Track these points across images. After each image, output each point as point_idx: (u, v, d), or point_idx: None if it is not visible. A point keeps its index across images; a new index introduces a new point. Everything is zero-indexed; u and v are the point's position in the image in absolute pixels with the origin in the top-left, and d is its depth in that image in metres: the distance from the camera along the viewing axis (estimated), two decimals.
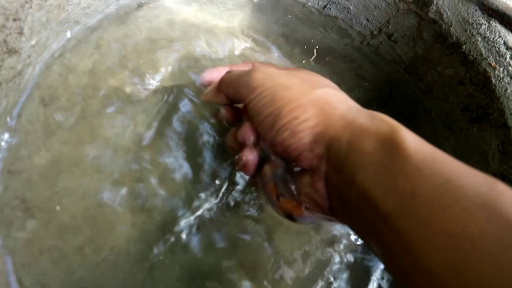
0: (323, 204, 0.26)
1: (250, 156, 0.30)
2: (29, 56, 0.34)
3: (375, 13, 0.48)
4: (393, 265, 0.21)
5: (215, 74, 0.37)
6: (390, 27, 0.47)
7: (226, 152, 0.35)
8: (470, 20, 0.40)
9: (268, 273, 0.37)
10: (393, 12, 0.46)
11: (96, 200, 0.36)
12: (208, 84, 0.37)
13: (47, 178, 0.37)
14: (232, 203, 0.38)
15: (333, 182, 0.24)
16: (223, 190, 0.38)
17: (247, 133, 0.30)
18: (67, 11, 0.37)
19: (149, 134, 0.40)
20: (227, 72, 0.34)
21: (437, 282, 0.18)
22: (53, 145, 0.38)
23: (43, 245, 0.34)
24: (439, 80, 0.45)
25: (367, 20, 0.49)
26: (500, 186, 0.19)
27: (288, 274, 0.38)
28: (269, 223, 0.39)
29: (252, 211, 0.39)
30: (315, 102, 0.26)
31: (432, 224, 0.18)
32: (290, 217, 0.29)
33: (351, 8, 0.49)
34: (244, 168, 0.31)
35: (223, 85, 0.32)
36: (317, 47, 0.49)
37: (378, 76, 0.49)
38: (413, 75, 0.48)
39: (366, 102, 0.46)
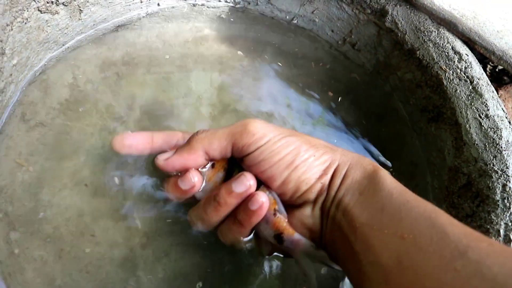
0: (316, 229, 0.30)
1: (196, 177, 0.32)
2: (10, 75, 0.36)
3: (338, 24, 0.51)
4: (356, 272, 0.27)
5: (135, 140, 0.34)
6: (353, 36, 0.51)
7: None
8: (421, 28, 0.44)
9: (250, 272, 0.39)
10: (355, 23, 0.50)
11: (77, 211, 0.38)
12: (128, 149, 0.34)
13: (30, 192, 0.39)
14: None
15: (326, 207, 0.30)
16: None
17: (197, 177, 0.32)
18: (46, 32, 0.39)
19: None
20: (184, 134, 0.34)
21: (386, 271, 0.24)
22: (36, 160, 0.40)
23: (27, 255, 0.35)
24: (400, 84, 0.48)
25: (332, 31, 0.52)
26: (441, 212, 0.26)
27: (272, 271, 0.40)
28: None
29: None
30: (322, 143, 0.31)
31: (390, 230, 0.25)
32: (279, 237, 0.31)
33: (317, 20, 0.52)
34: (187, 191, 0.32)
35: (204, 140, 0.31)
36: (289, 51, 0.52)
37: (349, 78, 0.52)
38: (378, 79, 0.51)
39: (339, 104, 0.49)
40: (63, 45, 0.42)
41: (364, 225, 0.27)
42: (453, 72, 0.41)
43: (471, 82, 0.40)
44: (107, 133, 0.43)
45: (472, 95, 0.40)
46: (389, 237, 0.25)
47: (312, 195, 0.30)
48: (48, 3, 0.37)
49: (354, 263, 0.27)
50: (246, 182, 0.30)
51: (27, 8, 0.35)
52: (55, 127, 0.41)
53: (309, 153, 0.30)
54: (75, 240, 0.37)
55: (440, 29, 0.43)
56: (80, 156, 0.41)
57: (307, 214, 0.31)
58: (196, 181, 0.32)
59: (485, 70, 0.48)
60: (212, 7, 0.52)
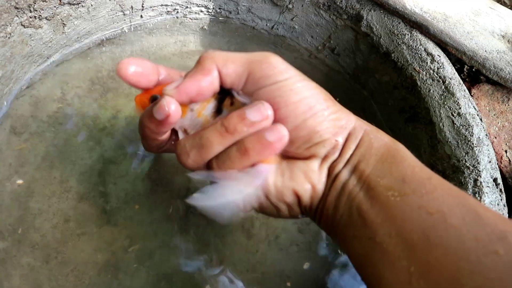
0: (319, 187, 0.28)
1: (172, 105, 0.26)
2: None
3: (317, 30, 0.53)
4: (364, 245, 0.24)
5: (141, 67, 0.28)
6: (332, 42, 0.52)
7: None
8: (395, 31, 0.45)
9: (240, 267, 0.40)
10: (333, 29, 0.51)
11: (64, 217, 0.39)
12: (135, 78, 0.28)
13: (19, 201, 0.40)
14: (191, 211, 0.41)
15: (335, 168, 0.27)
16: None
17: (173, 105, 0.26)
18: (30, 45, 0.40)
19: (113, 154, 0.44)
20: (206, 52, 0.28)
21: (409, 246, 0.22)
22: (26, 170, 0.41)
23: (14, 262, 0.36)
24: (378, 86, 0.50)
25: (312, 37, 0.54)
26: (468, 194, 0.25)
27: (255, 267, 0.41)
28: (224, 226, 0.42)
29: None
30: (336, 103, 0.28)
31: (415, 203, 0.23)
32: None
33: (296, 27, 0.53)
34: (163, 122, 0.26)
35: (218, 60, 0.26)
36: None
37: (328, 85, 0.53)
38: (357, 83, 0.53)
39: None
40: (48, 58, 0.44)
41: (384, 194, 0.24)
42: (426, 73, 0.42)
43: (444, 82, 0.42)
44: (93, 143, 0.44)
45: (445, 94, 0.41)
46: (413, 209, 0.23)
47: (323, 151, 0.27)
48: (31, 18, 0.39)
49: (362, 234, 0.24)
50: (264, 111, 0.25)
51: (10, 23, 0.37)
52: (44, 139, 0.43)
53: (327, 104, 0.27)
54: (61, 247, 0.38)
55: (413, 32, 0.44)
56: (68, 166, 0.42)
57: (313, 168, 0.28)
58: (172, 111, 0.26)
59: (462, 70, 0.49)
60: (195, 19, 0.53)
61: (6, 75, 0.38)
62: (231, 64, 0.26)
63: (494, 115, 0.44)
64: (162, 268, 0.39)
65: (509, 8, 0.54)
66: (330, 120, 0.26)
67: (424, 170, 0.25)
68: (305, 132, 0.26)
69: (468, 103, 0.40)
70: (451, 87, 0.41)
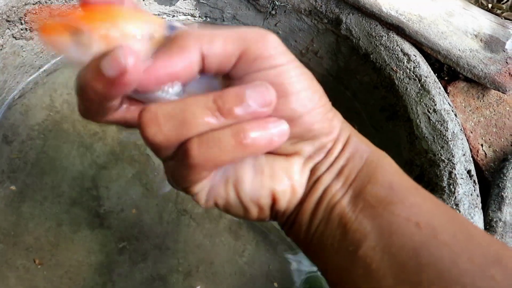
0: (298, 189, 0.24)
1: (131, 56, 0.18)
2: None
3: (300, 35, 0.55)
4: (343, 259, 0.22)
5: None
6: (314, 45, 0.54)
7: None
8: (373, 33, 0.47)
9: (226, 269, 0.42)
10: (315, 33, 0.53)
11: (56, 221, 0.40)
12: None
13: (12, 207, 0.41)
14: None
15: (318, 171, 0.24)
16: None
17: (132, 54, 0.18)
18: (22, 56, 0.42)
19: (105, 159, 0.45)
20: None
21: (398, 263, 0.20)
22: (18, 176, 0.42)
23: (10, 264, 0.38)
24: (360, 87, 0.52)
25: (295, 41, 0.55)
26: (455, 210, 0.24)
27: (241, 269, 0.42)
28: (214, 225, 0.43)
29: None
30: (328, 100, 0.25)
31: (403, 213, 0.21)
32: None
33: (280, 32, 0.55)
34: (117, 82, 0.18)
35: (202, 38, 0.20)
36: None
37: None
38: (340, 84, 0.55)
39: None
40: (39, 68, 0.45)
41: (370, 202, 0.22)
42: (403, 72, 0.44)
43: (420, 80, 0.43)
44: (84, 149, 0.45)
45: (421, 92, 0.43)
46: (401, 221, 0.21)
47: (309, 150, 0.24)
48: (22, 30, 0.40)
49: (342, 245, 0.22)
50: (267, 96, 0.20)
51: (2, 36, 0.38)
52: (35, 147, 0.44)
53: (324, 101, 0.24)
54: (55, 249, 0.39)
55: (389, 33, 0.46)
56: (59, 172, 0.43)
57: (296, 168, 0.24)
58: (130, 66, 0.18)
59: (442, 68, 0.51)
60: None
61: None
62: (219, 41, 0.21)
63: (470, 111, 0.46)
64: (156, 269, 0.40)
65: (486, 9, 0.56)
66: (326, 119, 0.23)
67: (409, 179, 0.23)
68: (299, 128, 0.23)
69: (443, 99, 0.42)
70: (426, 85, 0.43)
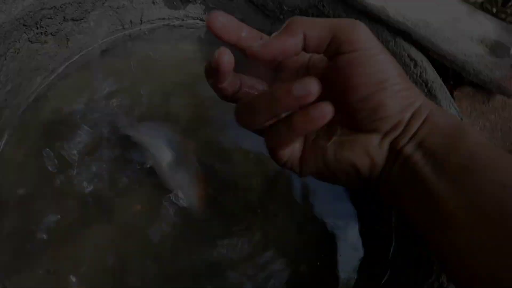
0: (378, 162, 0.28)
1: (225, 56, 0.26)
2: (5, 100, 0.40)
3: None
4: (429, 219, 0.25)
5: (228, 21, 0.27)
6: None
7: None
8: (380, 38, 0.48)
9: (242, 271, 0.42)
10: None
11: (66, 218, 0.41)
12: (220, 30, 0.27)
13: (23, 205, 0.42)
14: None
15: (399, 143, 0.28)
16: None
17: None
18: (37, 60, 0.43)
19: (117, 159, 0.46)
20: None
21: (483, 215, 0.22)
22: (28, 178, 0.43)
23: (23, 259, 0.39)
24: None
25: None
26: None
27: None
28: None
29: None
30: (408, 80, 0.29)
31: (486, 176, 0.24)
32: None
33: None
34: (216, 71, 0.26)
35: (305, 24, 0.26)
36: None
37: None
38: None
39: None
40: (52, 71, 0.46)
41: (452, 168, 0.25)
42: (410, 77, 0.45)
43: (426, 85, 0.44)
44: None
45: (428, 96, 0.44)
46: (485, 182, 0.23)
47: (386, 126, 0.28)
48: (37, 34, 0.41)
49: (429, 207, 0.25)
50: (309, 87, 0.24)
51: (19, 40, 0.39)
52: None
53: (399, 80, 0.27)
54: (64, 246, 0.40)
55: (396, 39, 0.47)
56: (69, 171, 0.44)
57: (374, 143, 0.28)
58: (223, 61, 0.26)
59: (448, 73, 0.52)
60: (191, 28, 0.56)
61: (14, 88, 0.41)
62: (317, 28, 0.26)
63: (475, 115, 0.47)
64: (168, 268, 0.41)
65: (492, 15, 0.57)
66: (399, 97, 0.27)
67: (494, 148, 0.25)
68: (371, 104, 0.27)
69: (449, 104, 0.42)
70: (433, 90, 0.44)
